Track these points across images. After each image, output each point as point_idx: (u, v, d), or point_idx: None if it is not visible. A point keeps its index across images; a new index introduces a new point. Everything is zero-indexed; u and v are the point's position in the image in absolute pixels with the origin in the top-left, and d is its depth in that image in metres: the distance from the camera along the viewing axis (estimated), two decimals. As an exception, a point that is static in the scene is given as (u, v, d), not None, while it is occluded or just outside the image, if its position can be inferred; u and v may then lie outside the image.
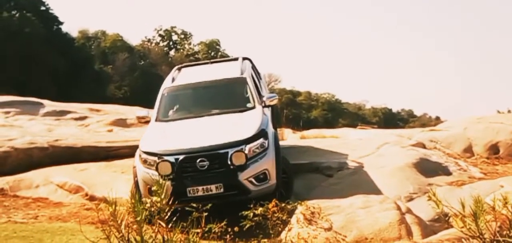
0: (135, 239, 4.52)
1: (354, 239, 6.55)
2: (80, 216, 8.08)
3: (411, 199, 8.31)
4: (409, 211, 7.29)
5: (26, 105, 15.35)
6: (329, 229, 6.83)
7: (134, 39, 65.49)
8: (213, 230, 5.38)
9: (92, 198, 9.28)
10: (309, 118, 59.49)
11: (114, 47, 54.43)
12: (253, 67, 10.58)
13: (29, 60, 41.17)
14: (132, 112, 14.93)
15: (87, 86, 43.12)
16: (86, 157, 11.49)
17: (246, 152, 7.52)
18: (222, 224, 5.59)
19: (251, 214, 6.44)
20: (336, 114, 66.24)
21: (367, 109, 75.31)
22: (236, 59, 10.55)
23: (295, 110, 60.85)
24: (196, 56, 61.25)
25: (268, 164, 7.70)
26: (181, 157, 7.47)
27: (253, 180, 7.56)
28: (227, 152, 7.47)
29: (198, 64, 12.39)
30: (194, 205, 5.39)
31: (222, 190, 7.34)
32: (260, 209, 6.63)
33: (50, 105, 15.75)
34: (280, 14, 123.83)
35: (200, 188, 7.27)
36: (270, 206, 6.79)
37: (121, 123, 14.90)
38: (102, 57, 52.88)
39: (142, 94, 40.91)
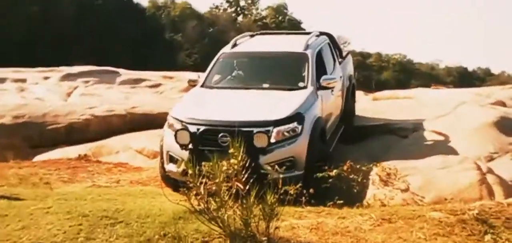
0: (214, 201, 4.65)
1: (433, 200, 6.42)
2: (159, 180, 8.31)
3: (491, 159, 8.01)
4: (490, 171, 7.07)
5: (103, 74, 15.71)
6: (406, 190, 6.74)
7: (202, 7, 66.15)
8: (289, 192, 5.38)
9: (169, 163, 9.48)
10: (380, 80, 58.25)
11: (183, 15, 55.13)
12: (332, 44, 9.83)
13: (104, 31, 42.51)
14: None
15: (159, 55, 44.04)
16: (161, 123, 11.66)
17: (273, 134, 6.83)
18: (298, 186, 5.62)
19: (327, 175, 6.49)
20: (408, 75, 64.42)
21: (440, 68, 72.66)
22: (309, 33, 9.72)
23: (365, 72, 59.54)
24: (264, 21, 60.99)
25: (296, 151, 6.90)
26: (201, 128, 7.01)
27: (276, 166, 6.64)
28: (252, 131, 6.79)
29: (273, 33, 11.94)
30: (270, 168, 5.32)
31: None
32: (335, 171, 6.65)
33: (125, 73, 16.12)
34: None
35: None
36: (344, 168, 6.80)
37: (193, 89, 15.10)
38: (172, 25, 53.76)
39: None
